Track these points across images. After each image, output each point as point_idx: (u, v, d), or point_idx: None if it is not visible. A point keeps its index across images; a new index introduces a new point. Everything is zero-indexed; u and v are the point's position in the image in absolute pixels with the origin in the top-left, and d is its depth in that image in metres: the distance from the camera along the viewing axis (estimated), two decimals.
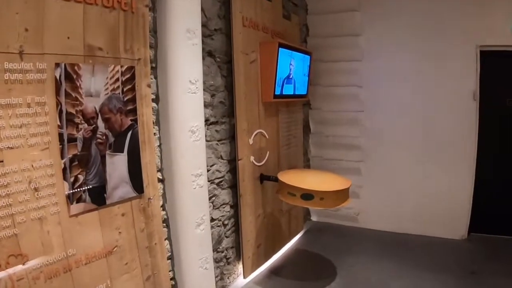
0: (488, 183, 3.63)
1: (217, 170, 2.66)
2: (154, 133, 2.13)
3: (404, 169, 3.85)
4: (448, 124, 3.62)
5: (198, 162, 2.22)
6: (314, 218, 4.40)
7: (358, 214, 4.09)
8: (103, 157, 1.79)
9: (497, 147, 3.62)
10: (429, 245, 3.59)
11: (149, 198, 2.04)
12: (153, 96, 2.12)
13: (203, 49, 2.46)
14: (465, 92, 3.52)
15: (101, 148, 1.79)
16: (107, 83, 1.80)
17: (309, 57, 3.46)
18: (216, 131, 2.63)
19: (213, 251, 2.68)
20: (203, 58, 2.47)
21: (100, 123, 1.77)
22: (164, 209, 2.25)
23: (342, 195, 2.51)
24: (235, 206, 2.86)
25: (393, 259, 3.29)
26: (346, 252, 3.50)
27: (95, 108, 1.75)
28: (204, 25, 2.48)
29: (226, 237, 2.86)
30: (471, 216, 3.66)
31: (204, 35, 2.49)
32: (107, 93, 1.80)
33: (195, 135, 2.17)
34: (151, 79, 2.09)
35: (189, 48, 2.12)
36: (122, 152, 1.89)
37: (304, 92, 3.52)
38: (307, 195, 2.42)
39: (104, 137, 1.80)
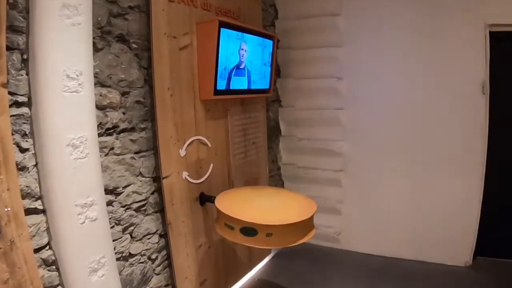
0: (498, 197, 3.14)
1: (135, 192, 2.18)
2: (27, 149, 1.66)
3: (395, 180, 3.37)
4: (450, 124, 3.12)
5: (86, 188, 1.73)
6: None
7: (339, 233, 3.62)
8: None
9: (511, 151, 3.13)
10: (425, 275, 3.11)
11: (11, 240, 1.55)
12: (25, 99, 1.64)
13: (110, 32, 2.01)
14: (471, 84, 3.01)
15: None
16: None
17: (271, 41, 2.95)
18: (132, 140, 2.13)
19: None
20: (109, 45, 2.01)
21: None
22: (51, 248, 1.79)
23: (300, 228, 2.00)
24: (167, 235, 2.38)
25: None
26: (322, 284, 3.05)
27: None
28: (113, 2, 2.02)
29: (156, 274, 2.40)
30: (477, 237, 3.17)
31: (112, 14, 2.02)
32: None
33: (79, 151, 1.68)
34: (21, 75, 1.62)
35: (67, 30, 1.62)
36: None
37: (265, 86, 3.01)
38: (249, 230, 1.92)
39: None
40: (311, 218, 2.05)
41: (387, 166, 3.37)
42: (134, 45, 2.14)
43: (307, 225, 2.03)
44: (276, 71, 3.68)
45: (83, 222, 1.74)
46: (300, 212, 2.05)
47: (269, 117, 3.62)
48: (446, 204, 3.19)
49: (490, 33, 2.91)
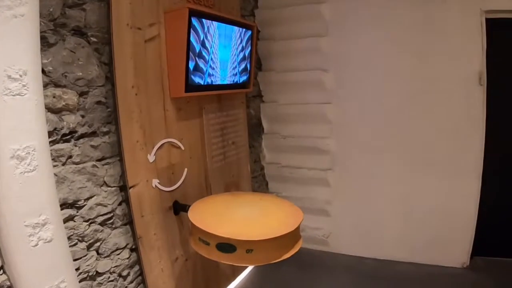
0: (495, 194, 3.07)
1: (100, 204, 2.00)
2: None
3: (386, 178, 3.26)
4: (445, 119, 3.00)
5: (37, 205, 1.56)
6: None
7: (328, 236, 3.52)
8: None
9: (510, 146, 3.04)
10: (421, 278, 3.03)
11: None
12: None
13: (65, 25, 1.82)
14: (468, 74, 2.89)
15: None
16: None
17: (250, 32, 2.78)
18: (93, 146, 1.96)
19: None
20: (64, 39, 1.83)
21: None
22: (5, 273, 1.62)
23: (285, 241, 1.84)
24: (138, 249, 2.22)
25: None
26: None
27: None
28: None
29: None
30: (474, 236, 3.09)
31: (66, 5, 1.83)
32: None
33: (26, 163, 1.49)
34: None
35: (7, 24, 1.43)
36: None
37: (245, 81, 2.84)
38: (226, 246, 1.76)
39: None
40: (297, 229, 1.90)
41: (378, 164, 3.26)
42: (93, 39, 1.95)
43: (292, 237, 1.87)
44: (257, 64, 3.53)
45: (36, 245, 1.56)
46: (284, 222, 1.90)
47: (250, 114, 3.47)
48: (441, 203, 3.09)
49: (487, 19, 2.79)
